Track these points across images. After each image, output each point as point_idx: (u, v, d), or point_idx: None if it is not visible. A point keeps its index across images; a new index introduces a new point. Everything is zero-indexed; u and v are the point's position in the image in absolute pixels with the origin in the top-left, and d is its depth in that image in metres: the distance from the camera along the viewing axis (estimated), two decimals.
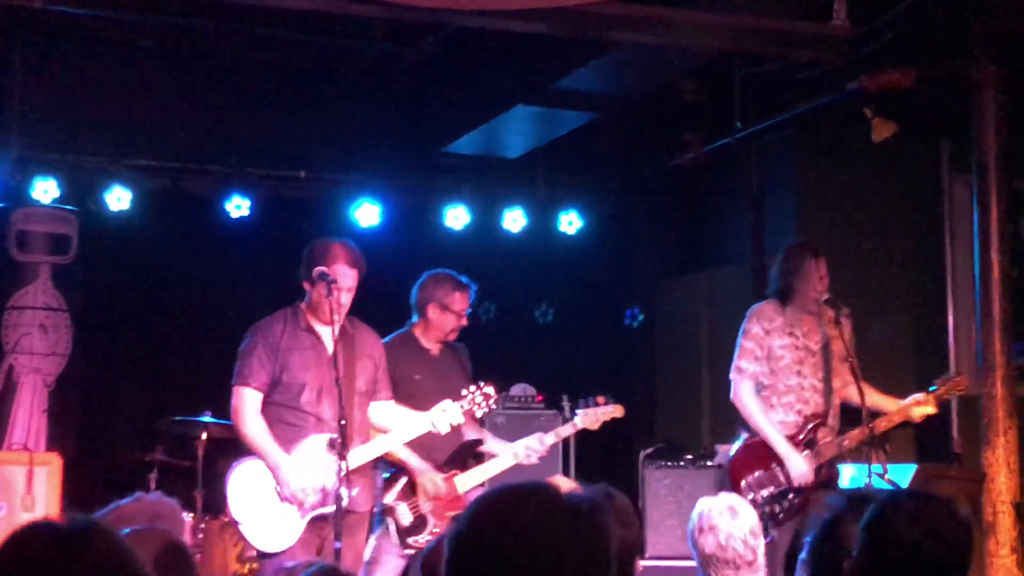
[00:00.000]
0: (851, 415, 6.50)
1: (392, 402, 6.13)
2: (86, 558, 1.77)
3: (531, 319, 10.17)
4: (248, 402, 5.84)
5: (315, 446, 5.75)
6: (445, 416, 5.99)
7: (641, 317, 10.22)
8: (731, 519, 4.05)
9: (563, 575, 1.82)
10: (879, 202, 9.00)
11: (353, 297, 5.89)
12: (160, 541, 2.93)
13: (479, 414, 6.20)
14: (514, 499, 1.89)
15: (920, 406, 6.49)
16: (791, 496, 6.32)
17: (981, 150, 7.22)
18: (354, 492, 5.65)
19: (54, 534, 1.81)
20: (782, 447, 6.32)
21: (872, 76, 7.40)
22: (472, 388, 6.13)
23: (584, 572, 1.83)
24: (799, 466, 6.30)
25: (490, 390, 6.14)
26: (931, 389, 6.53)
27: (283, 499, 5.74)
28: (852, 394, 6.39)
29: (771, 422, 6.38)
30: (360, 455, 5.82)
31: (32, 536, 1.81)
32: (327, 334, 5.84)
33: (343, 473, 5.46)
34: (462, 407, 6.05)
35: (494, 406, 6.24)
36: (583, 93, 8.25)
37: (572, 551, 1.83)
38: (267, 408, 5.86)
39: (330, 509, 5.59)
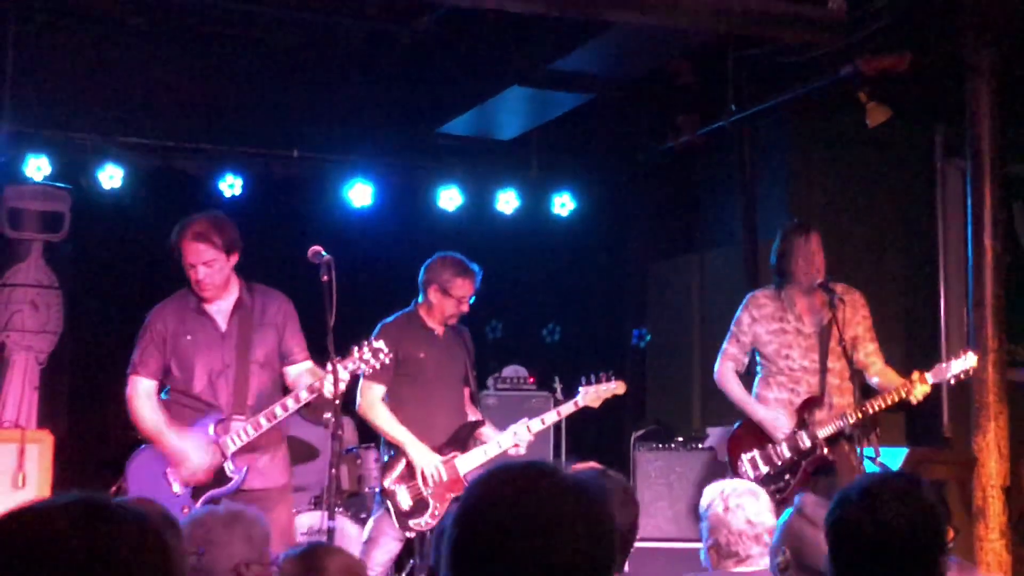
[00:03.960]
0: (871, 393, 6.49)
1: (309, 363, 5.84)
2: (111, 535, 1.60)
3: (523, 301, 10.16)
4: (139, 390, 5.78)
5: (202, 429, 5.68)
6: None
7: (648, 337, 10.19)
8: (755, 500, 4.15)
9: (570, 554, 1.81)
10: (872, 187, 9.01)
11: (213, 270, 5.71)
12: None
13: (369, 371, 5.87)
14: (520, 477, 1.87)
15: (922, 384, 6.37)
16: (787, 477, 6.36)
17: (975, 136, 7.22)
18: (244, 471, 5.60)
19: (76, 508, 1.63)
20: (757, 412, 6.48)
21: (867, 60, 7.39)
22: (363, 344, 5.76)
23: (591, 552, 1.83)
24: (774, 419, 6.43)
25: (380, 344, 5.76)
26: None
27: (177, 481, 5.66)
28: (871, 374, 6.48)
29: (746, 393, 6.56)
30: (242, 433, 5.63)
31: (46, 512, 1.62)
32: (219, 311, 5.76)
33: (231, 452, 5.58)
34: (347, 368, 5.62)
35: (387, 360, 5.80)
36: (578, 75, 8.22)
37: (579, 530, 1.82)
38: (166, 395, 5.81)
39: (221, 489, 5.60)
